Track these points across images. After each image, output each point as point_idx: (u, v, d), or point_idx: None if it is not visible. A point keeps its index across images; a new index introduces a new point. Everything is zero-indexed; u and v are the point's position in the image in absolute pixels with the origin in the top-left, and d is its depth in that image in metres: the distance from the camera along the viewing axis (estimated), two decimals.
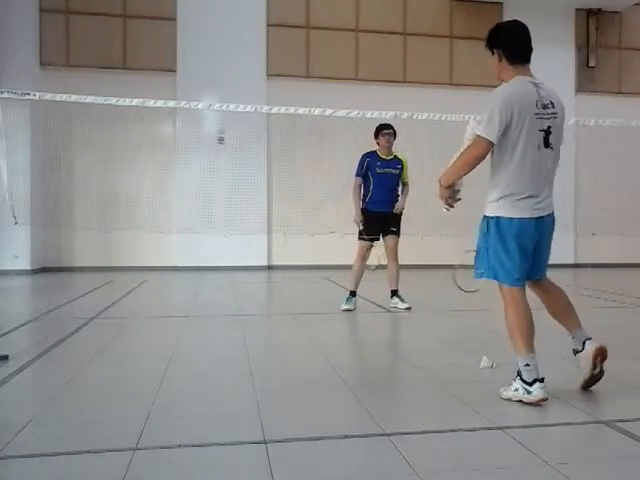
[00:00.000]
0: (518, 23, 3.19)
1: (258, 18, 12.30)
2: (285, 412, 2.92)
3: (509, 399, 3.03)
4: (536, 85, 3.07)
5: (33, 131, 10.91)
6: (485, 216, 3.14)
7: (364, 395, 3.20)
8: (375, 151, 6.41)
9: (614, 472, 2.26)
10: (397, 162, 6.40)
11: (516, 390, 3.01)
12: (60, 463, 2.30)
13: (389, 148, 6.37)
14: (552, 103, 3.06)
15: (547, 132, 3.02)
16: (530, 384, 2.95)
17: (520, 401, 2.98)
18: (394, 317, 6.05)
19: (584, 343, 3.18)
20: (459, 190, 3.26)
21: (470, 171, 3.10)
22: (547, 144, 3.04)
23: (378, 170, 6.30)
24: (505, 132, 2.98)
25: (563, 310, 3.28)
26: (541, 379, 2.97)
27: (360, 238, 6.38)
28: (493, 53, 3.17)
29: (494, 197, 3.08)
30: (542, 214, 3.06)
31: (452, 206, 3.27)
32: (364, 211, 6.35)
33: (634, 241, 13.44)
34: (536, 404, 2.93)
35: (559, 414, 2.89)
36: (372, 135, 6.49)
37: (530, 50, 3.15)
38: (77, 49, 11.71)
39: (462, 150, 3.14)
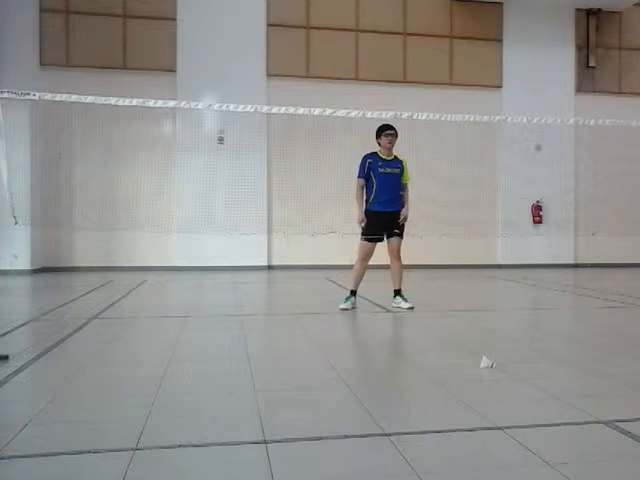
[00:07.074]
0: None
1: (258, 18, 12.31)
2: (285, 412, 2.92)
3: None
4: None
5: (33, 131, 10.92)
6: None
7: (364, 395, 3.20)
8: (376, 152, 6.40)
9: (614, 472, 2.25)
10: (398, 162, 6.40)
11: None
12: (60, 463, 2.29)
13: (390, 149, 6.37)
14: None
15: None
16: None
17: None
18: (394, 317, 6.05)
19: None
20: None
21: None
22: None
23: (380, 170, 6.28)
24: None
25: None
26: None
27: (364, 239, 6.38)
28: None
29: None
30: None
31: None
32: (368, 212, 6.33)
33: (634, 241, 13.44)
34: None
35: (559, 414, 2.88)
36: (372, 135, 6.47)
37: None
38: (77, 49, 11.71)
39: None
